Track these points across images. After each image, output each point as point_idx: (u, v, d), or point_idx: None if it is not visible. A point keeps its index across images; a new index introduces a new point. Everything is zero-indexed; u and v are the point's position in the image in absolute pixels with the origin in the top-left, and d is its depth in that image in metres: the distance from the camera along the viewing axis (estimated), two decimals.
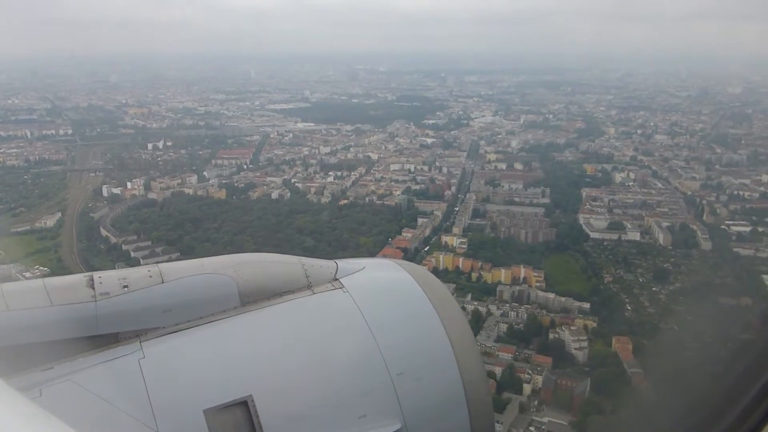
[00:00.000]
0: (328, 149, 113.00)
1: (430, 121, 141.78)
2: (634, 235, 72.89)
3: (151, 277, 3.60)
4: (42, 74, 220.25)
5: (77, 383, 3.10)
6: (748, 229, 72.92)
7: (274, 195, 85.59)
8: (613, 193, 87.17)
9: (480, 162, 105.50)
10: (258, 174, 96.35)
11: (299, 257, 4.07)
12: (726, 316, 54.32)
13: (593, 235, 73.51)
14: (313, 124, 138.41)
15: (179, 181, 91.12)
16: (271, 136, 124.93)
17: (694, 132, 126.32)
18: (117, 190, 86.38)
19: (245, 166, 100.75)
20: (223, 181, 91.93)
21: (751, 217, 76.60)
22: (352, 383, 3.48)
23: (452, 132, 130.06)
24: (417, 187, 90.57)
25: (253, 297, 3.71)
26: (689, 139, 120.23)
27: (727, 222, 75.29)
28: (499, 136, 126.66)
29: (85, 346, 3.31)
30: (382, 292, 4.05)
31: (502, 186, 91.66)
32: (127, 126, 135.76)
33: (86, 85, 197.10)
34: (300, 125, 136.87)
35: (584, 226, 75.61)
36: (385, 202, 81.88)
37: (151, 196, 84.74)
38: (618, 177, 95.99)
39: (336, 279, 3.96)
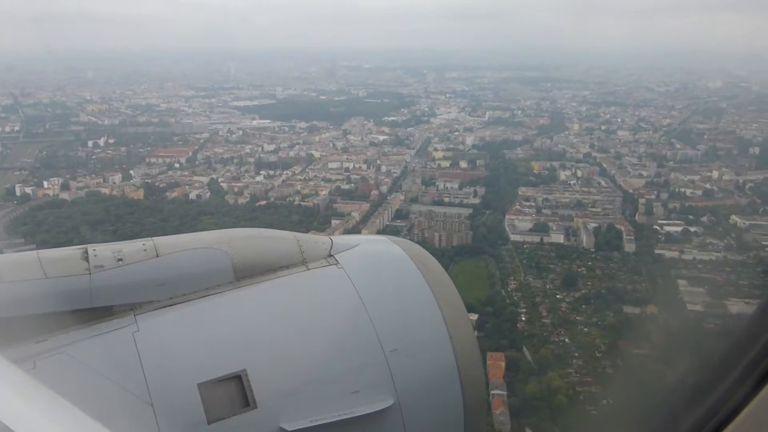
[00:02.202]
0: (272, 147, 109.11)
1: (391, 118, 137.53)
2: (558, 237, 68.63)
3: (145, 250, 3.59)
4: (20, 70, 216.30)
5: (71, 356, 3.12)
6: (680, 228, 68.65)
7: (192, 195, 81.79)
8: (551, 192, 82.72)
9: (424, 160, 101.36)
10: (186, 173, 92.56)
11: (294, 233, 4.09)
12: (625, 327, 50.41)
13: (514, 237, 69.23)
14: (269, 121, 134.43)
15: (100, 180, 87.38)
16: (219, 133, 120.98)
17: (660, 128, 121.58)
18: (29, 190, 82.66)
19: (177, 165, 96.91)
20: (147, 181, 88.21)
21: (687, 216, 72.23)
22: (346, 359, 3.49)
23: (408, 129, 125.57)
24: (348, 186, 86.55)
25: (247, 272, 3.69)
26: (652, 135, 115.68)
27: (659, 222, 70.97)
28: (456, 132, 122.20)
29: (79, 319, 3.30)
30: (377, 268, 4.02)
31: (437, 185, 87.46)
32: (78, 122, 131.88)
33: (61, 81, 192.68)
34: (255, 122, 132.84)
35: (508, 228, 71.39)
36: (303, 203, 77.86)
37: (64, 196, 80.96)
38: (562, 175, 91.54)
39: (331, 255, 3.93)
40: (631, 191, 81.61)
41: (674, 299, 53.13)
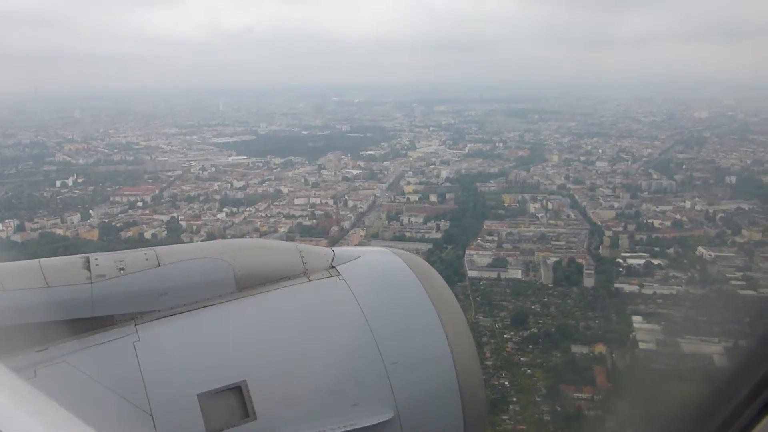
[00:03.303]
0: (241, 183, 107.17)
1: (369, 152, 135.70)
2: (516, 273, 65.92)
3: (147, 260, 3.57)
4: (6, 110, 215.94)
5: (72, 365, 3.10)
6: (642, 261, 66.00)
7: (147, 235, 79.44)
8: (516, 225, 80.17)
9: (393, 194, 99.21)
10: (147, 212, 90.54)
11: (296, 243, 4.01)
12: (569, 368, 47.71)
13: (471, 273, 66.54)
14: (245, 157, 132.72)
15: (58, 221, 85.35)
16: (191, 170, 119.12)
17: (640, 158, 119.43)
18: None
19: (139, 204, 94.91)
20: (104, 220, 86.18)
21: (654, 248, 69.63)
22: (347, 371, 3.44)
23: (384, 163, 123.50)
24: (310, 222, 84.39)
25: (249, 282, 3.66)
26: (630, 166, 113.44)
27: (623, 254, 68.40)
28: (432, 166, 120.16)
29: (80, 328, 3.28)
30: (379, 280, 3.98)
31: (401, 220, 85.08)
32: (53, 162, 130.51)
33: (47, 121, 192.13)
34: (230, 159, 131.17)
35: (466, 264, 68.78)
36: None
37: (16, 237, 78.82)
38: (532, 207, 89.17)
39: (332, 266, 3.89)
40: (599, 223, 79.04)
41: (626, 337, 50.54)
